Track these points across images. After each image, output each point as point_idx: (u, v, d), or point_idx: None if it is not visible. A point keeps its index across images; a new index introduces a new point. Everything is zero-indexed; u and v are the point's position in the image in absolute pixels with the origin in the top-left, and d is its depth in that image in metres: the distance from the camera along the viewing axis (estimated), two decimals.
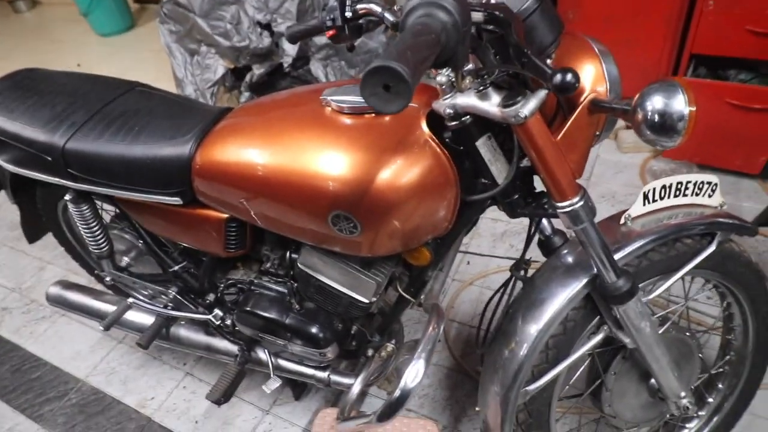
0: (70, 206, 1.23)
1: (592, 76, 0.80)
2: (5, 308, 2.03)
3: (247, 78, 2.52)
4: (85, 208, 1.24)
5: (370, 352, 1.20)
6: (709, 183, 1.05)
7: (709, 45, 1.95)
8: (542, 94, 0.71)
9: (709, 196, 1.05)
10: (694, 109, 0.69)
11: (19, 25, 4.47)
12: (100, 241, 1.31)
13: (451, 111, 0.79)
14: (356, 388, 1.18)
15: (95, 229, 1.28)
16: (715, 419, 1.29)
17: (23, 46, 3.96)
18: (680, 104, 0.69)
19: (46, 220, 1.55)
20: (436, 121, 0.84)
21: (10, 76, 1.26)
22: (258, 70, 2.50)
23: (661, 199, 1.01)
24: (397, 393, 0.91)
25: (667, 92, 0.69)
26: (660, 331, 1.06)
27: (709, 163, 2.14)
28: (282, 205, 0.91)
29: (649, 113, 0.69)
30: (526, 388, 0.99)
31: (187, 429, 1.55)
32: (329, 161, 0.84)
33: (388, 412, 0.92)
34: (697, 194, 1.04)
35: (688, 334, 1.12)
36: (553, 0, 2.22)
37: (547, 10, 0.69)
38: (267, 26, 2.40)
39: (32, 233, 1.57)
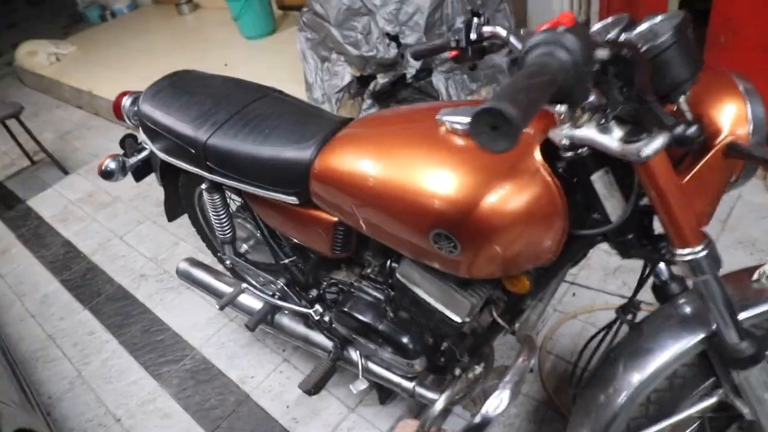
0: (205, 194, 1.39)
1: (733, 117, 0.73)
2: (143, 275, 2.32)
3: (371, 86, 2.63)
4: (216, 197, 1.38)
5: (457, 372, 1.19)
6: None
7: None
8: (668, 134, 0.67)
9: None
10: None
11: (181, 26, 5.06)
12: (226, 228, 1.45)
13: (568, 142, 0.77)
14: (439, 405, 1.18)
15: (223, 216, 1.42)
16: None
17: (182, 45, 4.48)
18: None
19: (184, 203, 1.75)
20: (550, 150, 0.82)
21: (170, 75, 1.45)
22: (382, 80, 2.59)
23: None
24: (477, 419, 0.90)
25: None
26: None
27: None
28: (387, 217, 0.95)
29: None
30: None
31: (278, 411, 1.66)
32: (437, 179, 0.86)
33: None
34: None
35: None
36: (704, 21, 2.03)
37: (684, 45, 0.65)
38: (395, 38, 2.49)
39: (172, 213, 1.78)
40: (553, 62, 0.56)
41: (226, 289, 1.63)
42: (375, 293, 1.22)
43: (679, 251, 0.75)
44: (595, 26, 0.83)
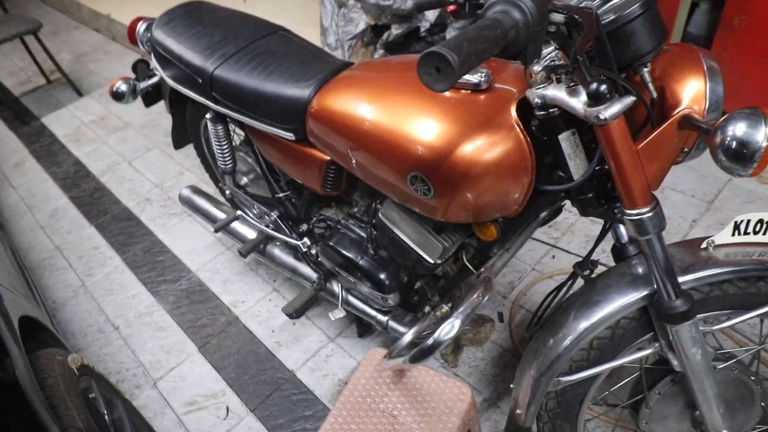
0: (209, 124, 1.46)
1: (693, 92, 0.79)
2: (148, 199, 2.43)
3: (384, 36, 2.64)
4: (220, 128, 1.45)
5: (427, 309, 1.30)
6: None
7: None
8: (629, 100, 0.73)
9: None
10: None
11: None
12: (227, 159, 1.53)
13: (540, 101, 0.83)
14: (408, 337, 1.29)
15: (225, 147, 1.50)
16: None
17: None
18: (760, 136, 0.66)
19: (190, 133, 1.82)
20: (526, 109, 0.88)
21: (185, 5, 1.49)
22: (395, 30, 2.60)
23: (755, 233, 0.96)
24: (429, 341, 1.00)
25: (750, 121, 0.67)
26: (720, 366, 1.02)
27: None
28: (372, 157, 1.02)
29: (728, 138, 0.67)
30: (560, 378, 1.02)
31: (264, 334, 1.78)
32: (418, 125, 0.93)
33: (418, 356, 1.02)
34: None
35: (753, 378, 1.07)
36: (721, 3, 2.02)
37: (650, 18, 0.69)
38: None
39: (179, 141, 1.86)
40: (506, 20, 0.62)
41: (224, 217, 1.73)
42: (359, 231, 1.30)
43: (628, 211, 0.82)
44: None
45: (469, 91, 0.92)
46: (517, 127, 0.87)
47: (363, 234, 1.30)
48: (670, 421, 1.11)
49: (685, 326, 0.90)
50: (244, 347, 1.75)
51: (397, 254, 1.21)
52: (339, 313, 1.41)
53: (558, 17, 0.66)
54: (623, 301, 0.96)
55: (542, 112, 0.84)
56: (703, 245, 0.97)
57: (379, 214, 1.19)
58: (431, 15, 2.48)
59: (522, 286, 1.82)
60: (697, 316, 0.92)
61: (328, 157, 1.21)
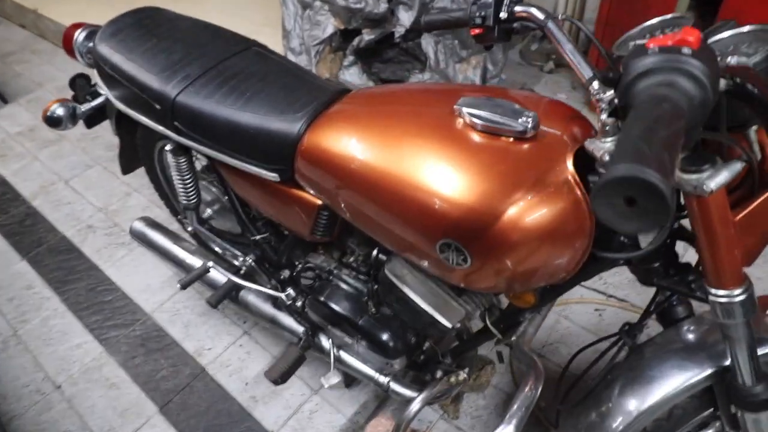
0: (169, 156, 1.22)
1: None
2: (90, 226, 2.12)
3: (355, 42, 2.43)
4: (182, 160, 1.22)
5: (438, 374, 1.12)
6: None
7: None
8: (737, 167, 0.58)
9: None
10: None
11: None
12: (191, 194, 1.30)
13: (609, 156, 0.67)
14: (416, 406, 1.11)
15: (188, 181, 1.26)
16: None
17: None
18: None
19: (141, 156, 1.56)
20: (583, 160, 0.72)
21: (135, 12, 1.24)
22: (367, 36, 2.40)
23: None
24: None
25: None
26: None
27: None
28: (387, 214, 0.83)
29: None
30: None
31: (236, 387, 1.56)
32: (452, 182, 0.75)
33: None
34: None
35: None
36: (713, 13, 1.95)
37: None
38: None
39: (127, 165, 1.59)
40: (679, 98, 0.44)
41: (186, 257, 1.49)
42: (356, 284, 1.11)
43: (715, 291, 0.68)
44: (634, 30, 0.72)
45: (512, 139, 0.75)
46: (574, 182, 0.71)
47: (361, 287, 1.11)
48: None
49: (764, 413, 0.78)
50: (214, 405, 1.53)
51: (406, 315, 1.03)
52: (334, 378, 1.22)
53: (722, 84, 0.50)
54: (684, 379, 0.82)
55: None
56: None
57: (385, 270, 1.01)
58: (406, 20, 2.30)
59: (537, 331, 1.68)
60: None
61: (321, 202, 1.01)
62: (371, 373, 1.21)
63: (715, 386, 0.83)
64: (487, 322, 0.99)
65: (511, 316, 0.96)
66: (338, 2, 2.33)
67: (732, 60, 0.53)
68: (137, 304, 1.81)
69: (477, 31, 0.87)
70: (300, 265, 1.22)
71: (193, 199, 1.33)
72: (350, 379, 1.53)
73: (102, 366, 1.65)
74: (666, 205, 0.35)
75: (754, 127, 0.61)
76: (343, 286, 1.13)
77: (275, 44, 2.55)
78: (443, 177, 0.76)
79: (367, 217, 0.89)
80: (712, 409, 0.87)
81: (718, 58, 0.53)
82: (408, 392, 1.17)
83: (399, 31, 2.33)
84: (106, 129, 1.42)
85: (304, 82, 1.07)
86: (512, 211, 0.71)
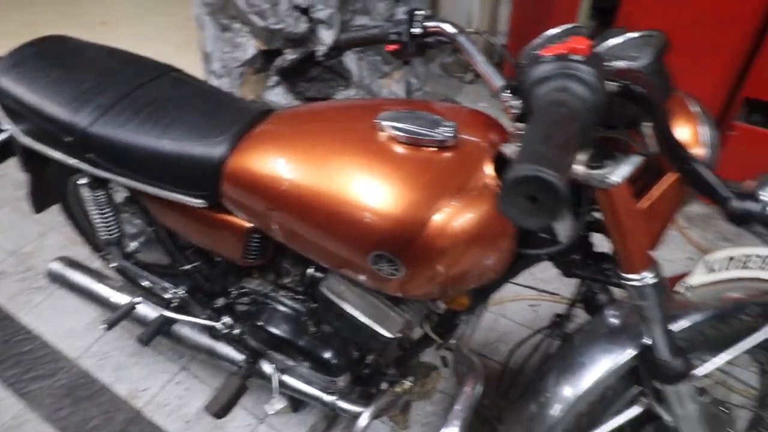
0: (84, 190, 1.15)
1: (689, 141, 0.72)
2: (2, 272, 1.96)
3: (277, 62, 2.42)
4: (100, 194, 1.16)
5: (384, 386, 1.13)
6: None
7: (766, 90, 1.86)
8: (636, 160, 0.63)
9: None
10: None
11: None
12: (112, 228, 1.23)
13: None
14: (364, 421, 1.11)
15: (107, 215, 1.20)
16: None
17: None
18: None
19: (55, 192, 1.47)
20: (502, 164, 0.76)
21: (37, 42, 1.17)
22: (289, 56, 2.40)
23: (725, 270, 0.94)
24: None
25: None
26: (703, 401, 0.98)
27: None
28: (317, 232, 0.83)
29: None
30: None
31: (177, 428, 1.48)
32: (378, 195, 0.76)
33: None
34: (763, 269, 0.96)
35: (721, 408, 1.05)
36: (611, 21, 2.11)
37: (661, 68, 0.60)
38: (305, 11, 2.30)
39: (39, 203, 1.49)
40: (573, 101, 0.47)
41: (113, 294, 1.41)
42: (294, 305, 1.10)
43: (628, 275, 0.73)
44: (537, 40, 0.77)
45: (434, 149, 0.77)
46: (495, 186, 0.75)
47: (299, 308, 1.10)
48: None
49: (682, 384, 0.84)
50: None
51: (347, 331, 1.02)
52: (278, 404, 1.19)
53: (611, 87, 0.54)
54: (612, 362, 0.88)
55: None
56: (680, 289, 0.92)
57: (322, 288, 1.00)
58: (327, 38, 2.32)
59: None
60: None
61: (251, 225, 0.99)
62: (316, 393, 1.19)
63: (639, 365, 0.88)
64: (426, 328, 1.01)
65: (448, 320, 0.99)
66: (258, 23, 2.31)
67: (621, 64, 0.58)
68: (60, 351, 1.68)
69: (392, 47, 0.89)
70: (235, 292, 1.19)
71: (115, 233, 1.26)
72: (298, 403, 1.49)
73: (24, 423, 1.51)
74: (560, 199, 0.38)
75: (647, 123, 0.66)
76: (281, 308, 1.11)
77: (195, 68, 2.50)
78: (369, 191, 0.77)
79: (298, 236, 0.88)
80: (639, 387, 0.93)
81: (610, 62, 0.57)
82: (355, 408, 1.16)
83: (320, 49, 2.34)
84: (12, 166, 1.33)
85: (225, 105, 1.05)
86: (438, 219, 0.74)
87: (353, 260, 0.83)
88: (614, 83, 0.55)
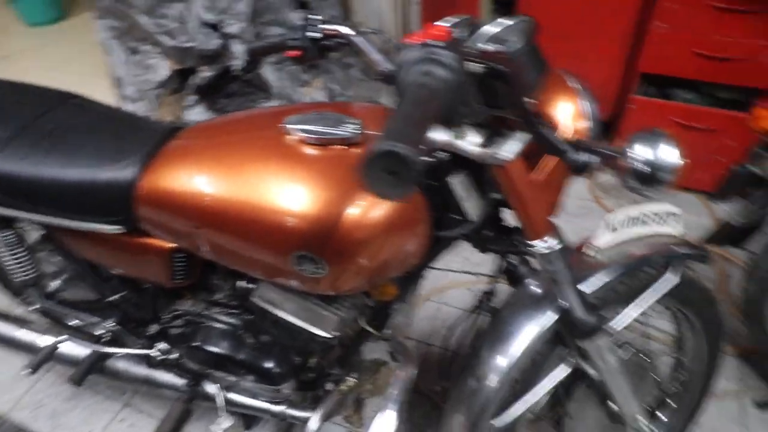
0: None
1: (572, 115, 0.78)
2: None
3: (193, 80, 2.38)
4: (8, 234, 1.10)
5: (329, 386, 1.13)
6: (672, 213, 1.06)
7: (658, 65, 2.02)
8: (526, 137, 0.68)
9: (672, 225, 1.06)
10: (683, 162, 0.67)
11: None
12: (26, 269, 1.18)
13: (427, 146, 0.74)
14: (314, 424, 1.11)
15: (20, 256, 1.15)
16: None
17: None
18: (675, 157, 0.67)
19: None
20: None
21: None
22: (205, 73, 2.36)
23: (626, 228, 1.02)
24: None
25: (661, 144, 0.67)
26: (623, 356, 1.06)
27: None
28: (238, 241, 0.84)
29: (641, 164, 0.66)
30: (494, 423, 0.96)
31: None
32: (293, 197, 0.78)
33: None
34: (660, 224, 1.05)
35: (642, 356, 1.14)
36: (508, 14, 2.22)
37: (533, 51, 0.65)
38: (215, 26, 2.28)
39: None
40: (436, 83, 0.51)
41: (38, 339, 1.34)
42: (229, 320, 1.09)
43: (534, 243, 0.79)
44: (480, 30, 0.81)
45: (342, 147, 0.80)
46: None
47: (235, 322, 1.09)
48: (589, 420, 1.13)
49: (598, 338, 0.91)
50: None
51: (284, 337, 1.03)
52: (225, 422, 1.17)
53: (474, 68, 0.58)
54: (537, 328, 0.93)
55: (430, 159, 0.76)
56: (588, 251, 0.99)
57: (254, 298, 1.00)
58: (241, 52, 2.30)
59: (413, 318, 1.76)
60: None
61: (173, 245, 0.98)
62: (264, 406, 1.18)
63: (561, 327, 0.94)
64: (362, 322, 1.03)
65: (381, 312, 1.01)
66: (168, 43, 2.26)
67: (487, 47, 0.63)
68: None
69: (293, 53, 0.91)
70: (167, 316, 1.16)
71: (31, 274, 1.20)
72: (250, 420, 1.47)
73: None
74: (413, 169, 0.42)
75: (531, 101, 0.72)
76: (217, 325, 1.10)
77: (107, 94, 2.41)
78: (283, 193, 0.78)
79: (221, 249, 0.88)
80: (562, 347, 0.99)
81: (476, 46, 0.62)
82: (305, 414, 1.16)
83: (235, 64, 2.32)
84: None
85: (132, 127, 1.03)
86: (352, 213, 0.76)
87: (278, 265, 0.84)
88: (480, 65, 0.59)
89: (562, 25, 2.16)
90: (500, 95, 0.66)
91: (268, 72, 2.39)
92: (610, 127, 2.28)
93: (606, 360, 0.95)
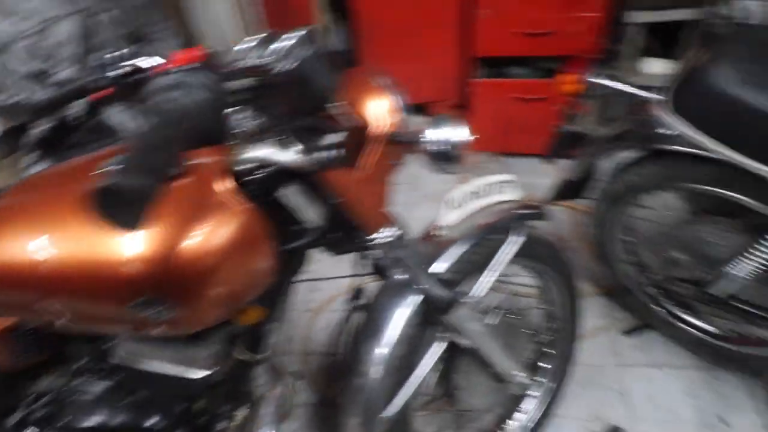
0: None
1: (382, 110, 0.83)
2: None
3: (27, 138, 2.18)
4: None
5: (222, 425, 1.10)
6: (507, 181, 1.17)
7: (489, 48, 2.19)
8: (339, 137, 0.71)
9: (509, 192, 1.16)
10: (473, 138, 0.74)
11: None
12: None
13: (249, 166, 0.75)
14: None
15: None
16: (551, 382, 1.44)
17: None
18: (464, 135, 0.74)
19: None
20: (239, 175, 0.80)
21: None
22: (41, 127, 2.17)
23: (467, 203, 1.10)
24: None
25: (450, 125, 0.73)
26: (489, 321, 1.14)
27: (504, 150, 2.41)
28: (75, 302, 0.79)
29: (435, 145, 0.72)
30: (384, 414, 0.99)
31: None
32: (120, 242, 0.74)
33: None
34: (498, 193, 1.15)
35: (512, 316, 1.24)
36: (345, 18, 2.30)
37: (317, 58, 0.68)
38: (42, 75, 2.10)
39: None
40: (189, 105, 0.52)
41: None
42: (97, 387, 1.01)
43: (373, 236, 0.82)
44: (239, 46, 0.82)
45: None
46: (235, 198, 0.78)
47: (104, 387, 1.01)
48: (478, 386, 1.21)
49: (459, 310, 0.97)
50: None
51: (161, 389, 0.98)
52: None
53: (237, 85, 0.59)
54: (405, 313, 0.98)
55: (256, 175, 0.77)
56: (437, 232, 1.06)
57: (116, 358, 0.95)
58: (81, 101, 2.15)
59: (303, 332, 1.76)
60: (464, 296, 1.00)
61: (10, 321, 0.89)
62: None
63: (426, 307, 1.00)
64: (237, 351, 1.01)
65: (252, 335, 1.00)
66: None
67: (248, 62, 0.65)
68: None
69: (99, 95, 0.87)
70: (28, 399, 1.06)
71: None
72: None
73: None
74: (136, 202, 0.43)
75: (337, 104, 0.75)
76: (85, 396, 1.02)
77: None
78: (110, 241, 0.75)
79: (60, 315, 0.82)
80: (439, 327, 1.05)
81: (238, 64, 0.64)
82: None
83: (74, 112, 2.16)
84: None
85: None
86: (186, 246, 0.74)
87: (125, 317, 0.80)
88: (240, 81, 0.62)
89: (398, 23, 2.27)
90: (300, 104, 0.68)
91: (113, 115, 2.25)
92: (464, 110, 2.43)
93: (472, 328, 1.02)
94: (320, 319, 1.80)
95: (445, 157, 0.72)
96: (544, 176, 2.29)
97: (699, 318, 1.53)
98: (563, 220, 2.09)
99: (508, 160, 2.42)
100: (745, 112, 0.98)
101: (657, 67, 2.09)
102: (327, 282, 1.86)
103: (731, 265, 1.22)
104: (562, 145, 1.49)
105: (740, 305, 1.31)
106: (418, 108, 2.61)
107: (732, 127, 1.01)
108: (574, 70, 1.33)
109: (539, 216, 1.18)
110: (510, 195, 1.16)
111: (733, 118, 1.00)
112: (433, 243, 1.05)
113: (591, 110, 1.35)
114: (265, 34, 0.79)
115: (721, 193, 1.21)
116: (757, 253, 1.15)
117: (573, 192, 1.59)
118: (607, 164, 1.50)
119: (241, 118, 0.68)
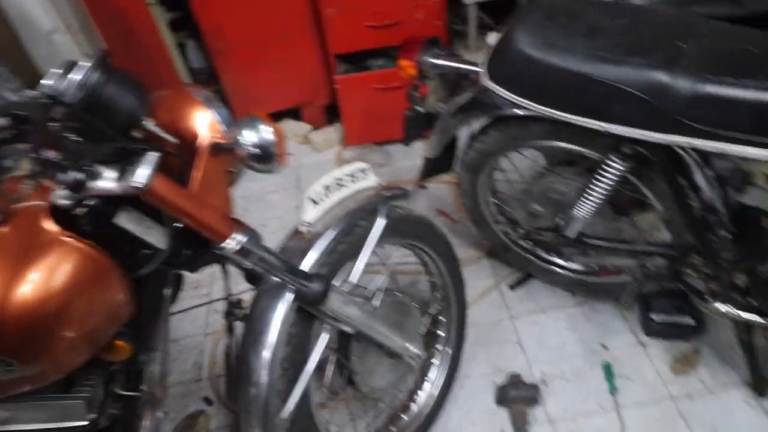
0: None
1: (205, 123, 0.84)
2: None
3: None
4: None
5: None
6: (362, 169, 1.22)
7: (343, 44, 2.24)
8: (154, 156, 0.71)
9: (365, 179, 1.22)
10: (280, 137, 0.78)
11: None
12: None
13: (71, 200, 0.73)
14: None
15: None
16: (449, 348, 1.53)
17: None
18: (270, 134, 0.76)
19: None
20: (65, 213, 0.77)
21: None
22: None
23: (327, 197, 1.13)
24: None
25: (259, 126, 0.76)
26: (376, 303, 1.19)
27: (378, 140, 2.49)
28: None
29: (248, 148, 0.75)
30: (281, 416, 1.01)
31: None
32: None
33: None
34: (355, 181, 1.19)
35: (397, 294, 1.29)
36: (198, 35, 2.25)
37: (121, 78, 0.68)
38: None
39: None
40: None
41: None
42: None
43: (222, 246, 0.83)
44: (45, 80, 0.78)
45: None
46: (63, 236, 0.75)
47: None
48: (376, 368, 1.25)
49: (331, 299, 1.01)
50: None
51: None
52: None
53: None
54: (280, 316, 1.00)
55: (80, 209, 0.75)
56: (302, 229, 1.09)
57: None
58: None
59: (207, 358, 1.72)
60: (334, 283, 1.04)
61: None
62: None
63: (301, 304, 1.02)
64: (118, 391, 0.98)
65: (129, 371, 0.97)
66: None
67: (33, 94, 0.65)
68: None
69: None
70: None
71: None
72: None
73: None
74: None
75: (149, 121, 0.75)
76: None
77: None
78: None
79: None
80: (316, 320, 1.08)
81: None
82: None
83: None
84: None
85: None
86: (20, 293, 0.71)
87: None
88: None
89: (254, 35, 2.26)
90: (110, 128, 0.68)
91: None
92: (337, 110, 2.47)
93: (350, 314, 1.06)
94: (223, 341, 1.77)
95: (263, 158, 0.74)
96: (411, 159, 2.40)
97: (566, 260, 1.70)
98: (443, 196, 2.20)
99: (388, 149, 2.51)
100: (548, 70, 1.10)
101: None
102: (223, 303, 1.85)
103: (576, 208, 1.37)
104: (414, 128, 1.57)
105: (590, 241, 1.47)
106: (291, 113, 2.62)
107: (538, 85, 1.13)
108: (411, 55, 1.41)
109: (402, 196, 1.24)
110: (367, 182, 1.21)
111: (539, 78, 1.12)
112: (302, 239, 1.07)
113: (433, 90, 1.43)
114: (65, 64, 0.77)
115: (555, 144, 1.36)
116: (591, 191, 1.30)
117: (438, 168, 1.69)
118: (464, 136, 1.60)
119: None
